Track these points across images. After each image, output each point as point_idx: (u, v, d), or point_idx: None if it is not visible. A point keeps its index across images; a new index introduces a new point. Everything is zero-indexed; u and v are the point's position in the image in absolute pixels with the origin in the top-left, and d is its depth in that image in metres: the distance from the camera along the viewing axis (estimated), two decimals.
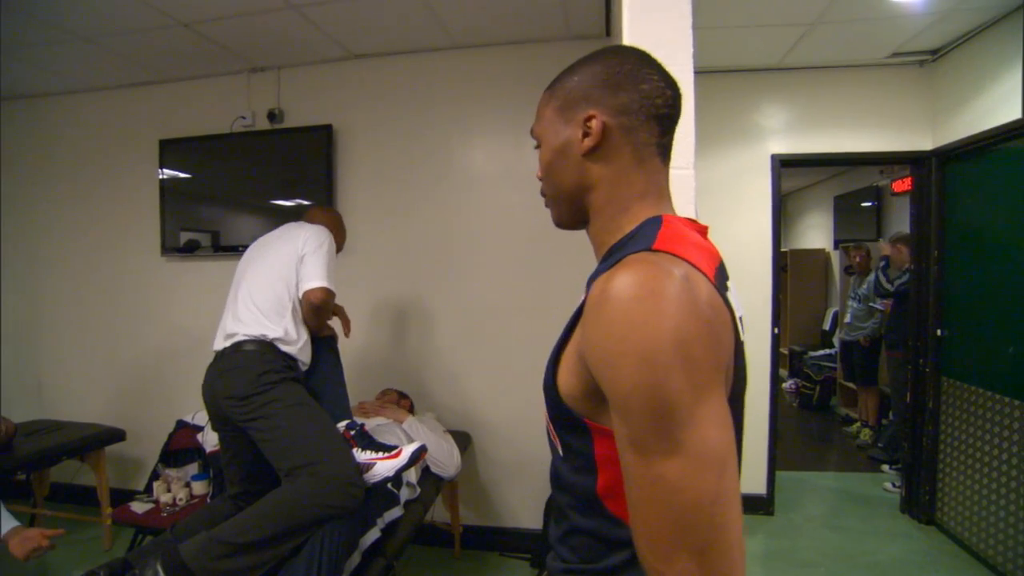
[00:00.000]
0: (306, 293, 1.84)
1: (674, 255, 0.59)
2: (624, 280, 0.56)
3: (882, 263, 3.98)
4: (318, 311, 1.87)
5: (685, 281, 0.55)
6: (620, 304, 0.54)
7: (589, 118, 0.70)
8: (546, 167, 0.76)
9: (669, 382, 0.52)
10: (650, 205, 0.71)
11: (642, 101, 0.70)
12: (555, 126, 0.74)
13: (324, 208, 2.18)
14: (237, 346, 1.79)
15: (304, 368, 1.90)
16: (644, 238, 0.64)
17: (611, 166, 0.71)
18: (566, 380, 0.65)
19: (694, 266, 0.58)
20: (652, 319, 0.53)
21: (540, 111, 0.77)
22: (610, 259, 0.66)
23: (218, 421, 1.86)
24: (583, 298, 0.65)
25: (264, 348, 1.78)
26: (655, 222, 0.67)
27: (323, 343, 2.01)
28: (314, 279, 1.84)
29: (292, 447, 1.66)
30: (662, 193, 0.73)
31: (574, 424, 0.65)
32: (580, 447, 0.65)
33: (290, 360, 1.82)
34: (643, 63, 0.72)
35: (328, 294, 1.86)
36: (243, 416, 1.71)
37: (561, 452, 0.69)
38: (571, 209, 0.76)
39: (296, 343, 1.84)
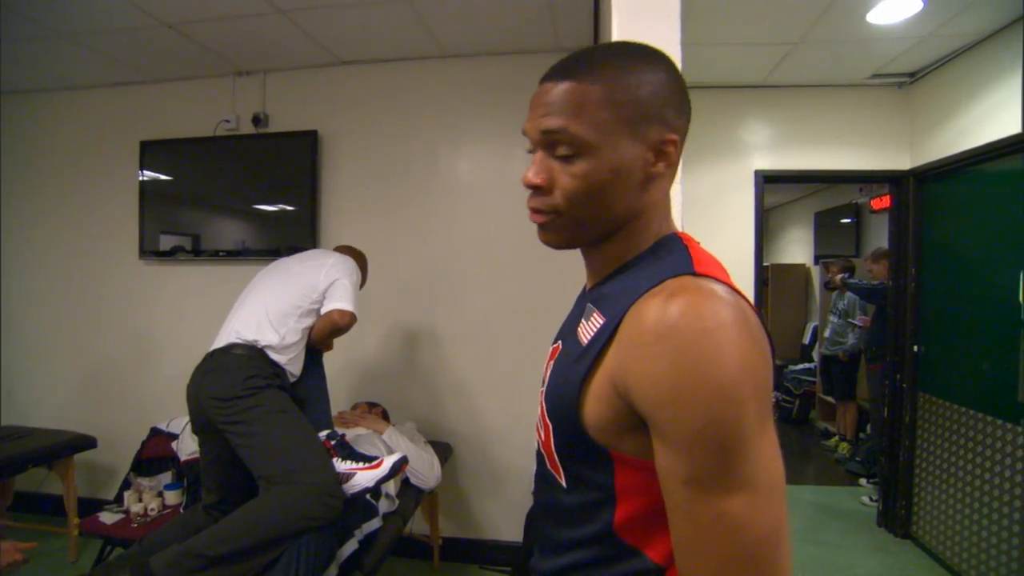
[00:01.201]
0: (332, 312, 1.90)
1: (718, 280, 0.57)
2: (686, 309, 0.52)
3: (845, 274, 4.29)
4: (336, 332, 1.94)
5: (740, 308, 0.54)
6: (687, 335, 0.51)
7: (669, 143, 0.62)
8: (596, 185, 0.61)
9: (743, 416, 0.50)
10: (667, 223, 0.69)
11: (687, 123, 0.66)
12: (615, 138, 0.61)
13: (353, 247, 2.27)
14: (228, 348, 1.80)
15: (292, 380, 1.89)
16: (678, 260, 0.60)
17: (661, 190, 0.66)
18: (594, 410, 0.59)
19: (736, 291, 0.57)
20: (725, 351, 0.50)
21: (581, 109, 0.60)
22: (628, 278, 0.63)
23: (199, 424, 1.83)
24: (604, 320, 0.61)
25: (253, 353, 1.78)
26: (676, 242, 0.65)
27: (310, 354, 1.99)
28: (344, 302, 1.91)
29: (271, 454, 1.64)
30: (671, 209, 0.71)
31: (594, 455, 0.60)
32: (596, 479, 0.61)
33: (278, 369, 1.81)
34: (683, 79, 0.67)
35: (353, 319, 1.92)
36: (224, 418, 1.68)
37: (565, 484, 0.64)
38: (597, 232, 0.66)
39: (288, 353, 1.85)
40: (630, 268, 0.65)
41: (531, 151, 0.66)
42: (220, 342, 1.84)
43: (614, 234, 0.66)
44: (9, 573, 1.65)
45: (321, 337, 1.95)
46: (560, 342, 0.71)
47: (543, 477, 0.69)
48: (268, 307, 1.87)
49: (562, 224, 0.65)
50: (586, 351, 0.61)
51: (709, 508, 0.51)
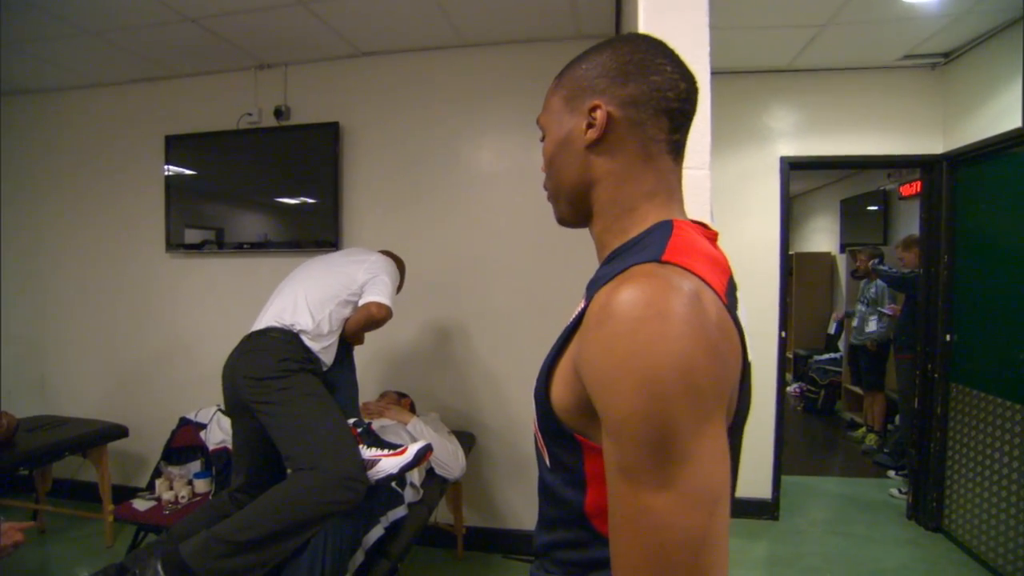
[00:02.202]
0: (370, 304, 1.95)
1: (684, 268, 0.55)
2: (629, 296, 0.51)
3: (876, 260, 4.16)
4: (372, 325, 1.98)
5: (694, 300, 0.51)
6: (623, 322, 0.50)
7: (594, 108, 0.66)
8: (548, 159, 0.73)
9: (669, 412, 0.48)
10: (659, 206, 0.67)
11: (651, 93, 0.65)
12: (560, 116, 0.70)
13: (394, 253, 2.32)
14: (265, 331, 1.85)
15: (324, 368, 1.92)
16: (652, 246, 0.60)
17: (616, 161, 0.67)
18: (559, 392, 0.61)
19: (704, 281, 0.54)
20: (657, 342, 0.49)
21: (547, 100, 0.74)
22: (613, 264, 0.63)
23: (232, 404, 1.87)
24: (582, 306, 0.62)
25: (289, 337, 1.83)
26: (665, 227, 0.63)
27: (341, 345, 2.02)
28: (382, 296, 1.96)
29: (300, 435, 1.67)
30: (672, 194, 0.69)
31: (564, 437, 0.62)
32: (569, 461, 0.62)
33: (311, 355, 1.85)
34: (656, 52, 0.67)
35: (389, 314, 1.97)
36: (257, 398, 1.72)
37: (548, 463, 0.66)
38: (573, 205, 0.72)
39: (322, 341, 1.89)
40: (620, 254, 0.65)
41: (543, 139, 0.76)
42: (258, 325, 1.90)
43: (591, 212, 0.71)
44: (10, 554, 1.69)
45: (356, 328, 1.98)
46: None
47: (537, 454, 0.71)
48: (308, 294, 1.92)
49: (552, 199, 0.75)
50: (561, 334, 0.63)
51: (635, 500, 0.50)
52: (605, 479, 0.55)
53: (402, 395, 2.68)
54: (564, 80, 0.71)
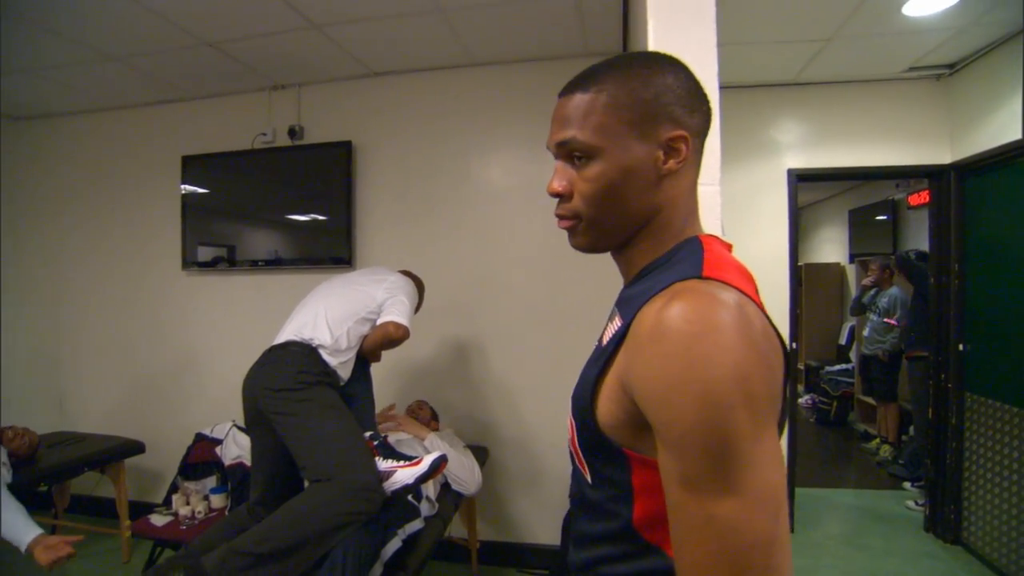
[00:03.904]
0: (388, 323, 1.98)
1: (725, 283, 0.57)
2: (681, 312, 0.53)
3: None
4: (389, 344, 2.02)
5: (741, 312, 0.53)
6: (678, 339, 0.52)
7: (677, 138, 0.65)
8: (607, 185, 0.66)
9: (731, 421, 0.50)
10: (692, 225, 0.70)
11: (707, 121, 0.68)
12: (621, 139, 0.65)
13: (413, 273, 2.35)
14: (285, 344, 1.89)
15: (342, 383, 1.95)
16: (689, 263, 0.61)
17: (679, 188, 0.67)
18: (607, 409, 0.61)
19: (745, 294, 0.57)
20: (713, 355, 0.51)
21: (590, 118, 0.65)
22: (647, 281, 0.65)
23: (251, 416, 1.90)
24: (619, 323, 0.63)
25: (308, 351, 1.87)
26: (694, 244, 0.66)
27: (358, 362, 2.06)
28: (400, 316, 2.00)
29: (317, 446, 1.69)
30: (696, 211, 0.72)
31: (610, 453, 0.62)
32: (615, 476, 0.63)
33: (329, 369, 1.88)
34: (697, 79, 0.69)
35: (406, 334, 2.01)
36: (276, 408, 1.75)
37: (590, 480, 0.66)
38: (621, 231, 0.69)
39: (340, 356, 1.92)
40: (652, 271, 0.67)
41: (579, 158, 0.70)
42: (279, 339, 1.94)
43: (636, 235, 0.69)
44: (62, 567, 1.73)
45: (374, 346, 2.02)
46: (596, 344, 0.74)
47: (575, 472, 0.71)
48: (328, 311, 1.96)
49: (585, 227, 0.69)
50: (601, 353, 0.64)
51: (700, 509, 0.51)
52: (654, 490, 0.57)
53: (434, 416, 2.70)
54: (618, 96, 0.65)
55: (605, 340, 0.66)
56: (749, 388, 0.51)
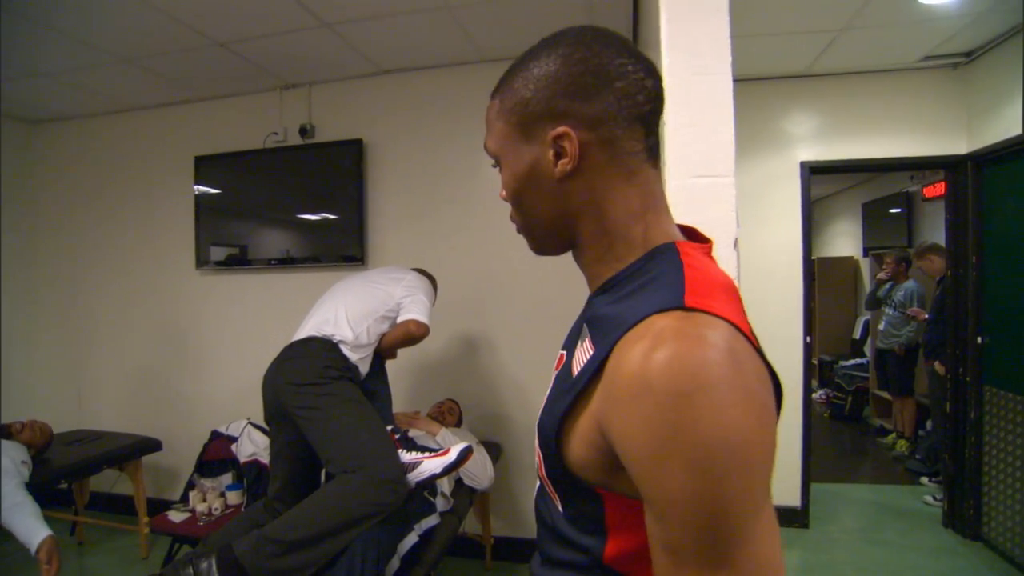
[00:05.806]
0: (409, 321, 2.02)
1: (711, 314, 0.49)
2: (666, 365, 0.46)
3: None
4: (409, 341, 2.05)
5: (733, 360, 0.46)
6: (663, 397, 0.45)
7: (560, 136, 0.57)
8: (512, 194, 0.63)
9: (724, 493, 0.44)
10: (650, 224, 0.60)
11: (620, 103, 0.57)
12: (514, 146, 0.61)
13: (427, 271, 2.37)
14: (306, 340, 1.91)
15: (361, 378, 1.98)
16: (668, 287, 0.53)
17: (596, 187, 0.59)
18: (578, 450, 0.55)
19: (733, 324, 0.49)
20: (704, 418, 0.44)
21: (490, 123, 0.63)
22: (619, 301, 0.57)
23: (272, 411, 1.91)
24: (593, 351, 0.55)
25: (329, 347, 1.89)
26: (670, 256, 0.57)
27: (374, 358, 2.08)
28: (420, 314, 2.03)
29: (341, 440, 1.71)
30: (658, 205, 0.61)
31: (581, 490, 0.56)
32: (587, 510, 0.57)
33: (350, 364, 1.91)
34: (612, 51, 0.57)
35: (426, 331, 2.04)
36: (299, 403, 1.77)
37: (562, 510, 0.61)
38: (552, 239, 0.64)
39: (359, 352, 1.94)
40: (623, 284, 0.59)
41: (495, 166, 0.67)
42: (299, 335, 1.96)
43: (576, 240, 0.63)
44: (81, 564, 1.80)
45: (393, 343, 2.04)
46: (564, 353, 0.67)
47: (542, 492, 0.66)
48: (347, 308, 1.98)
49: (523, 232, 0.67)
50: (573, 384, 0.56)
51: None
52: (629, 527, 0.53)
53: (446, 402, 2.72)
54: (506, 99, 0.61)
55: (576, 368, 0.57)
56: (745, 456, 0.45)
